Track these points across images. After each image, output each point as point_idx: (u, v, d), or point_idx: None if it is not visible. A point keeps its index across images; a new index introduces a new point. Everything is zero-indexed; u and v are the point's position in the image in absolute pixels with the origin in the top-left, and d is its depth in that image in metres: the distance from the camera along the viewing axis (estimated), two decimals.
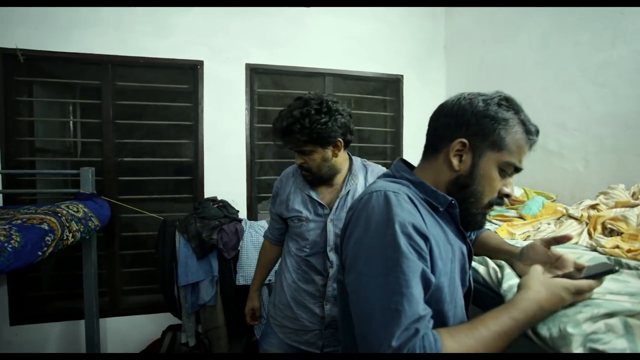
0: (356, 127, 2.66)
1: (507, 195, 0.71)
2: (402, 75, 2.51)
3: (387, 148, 2.62)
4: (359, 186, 1.21)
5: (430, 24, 2.54)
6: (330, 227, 1.19)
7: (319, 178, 1.19)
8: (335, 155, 1.18)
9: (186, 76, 2.23)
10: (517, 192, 1.67)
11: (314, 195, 1.22)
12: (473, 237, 0.93)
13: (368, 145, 2.64)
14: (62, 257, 2.20)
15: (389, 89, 2.59)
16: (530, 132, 0.70)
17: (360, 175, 1.24)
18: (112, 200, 2.03)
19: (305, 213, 1.23)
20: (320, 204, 1.21)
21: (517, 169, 0.70)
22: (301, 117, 1.09)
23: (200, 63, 2.19)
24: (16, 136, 2.01)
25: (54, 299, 2.23)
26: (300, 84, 2.43)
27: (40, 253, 1.36)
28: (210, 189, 2.25)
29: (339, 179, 1.23)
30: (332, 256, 1.20)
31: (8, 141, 1.98)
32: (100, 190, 2.05)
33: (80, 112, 2.51)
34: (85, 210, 1.74)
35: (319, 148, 1.14)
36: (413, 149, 2.54)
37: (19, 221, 1.41)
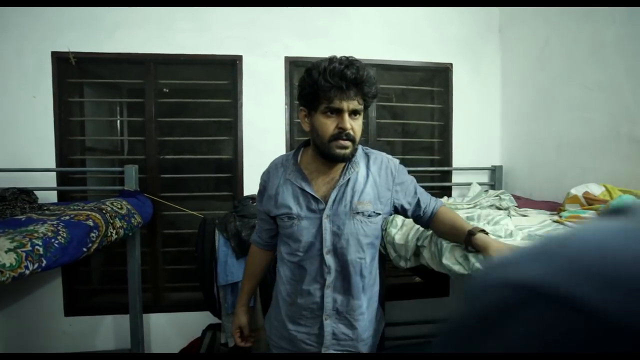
0: (401, 121, 2.53)
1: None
2: (451, 64, 2.30)
3: (435, 143, 2.42)
4: (360, 176, 1.06)
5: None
6: (326, 225, 1.03)
7: (351, 156, 1.02)
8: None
9: (225, 72, 2.20)
10: (597, 190, 1.44)
11: (306, 187, 1.05)
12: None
13: (414, 140, 2.46)
14: (111, 252, 2.27)
15: (436, 79, 2.39)
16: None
17: (362, 163, 1.09)
18: (154, 197, 2.05)
19: (295, 209, 1.05)
20: (314, 197, 1.04)
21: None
22: (372, 78, 0.97)
23: (239, 58, 2.15)
24: (68, 136, 2.09)
25: (103, 292, 2.30)
26: None
27: (85, 249, 1.37)
28: (250, 187, 2.20)
29: (338, 165, 1.07)
30: (330, 260, 1.05)
31: (62, 141, 2.06)
32: (143, 188, 2.08)
33: (127, 111, 2.60)
34: (129, 207, 1.76)
35: (363, 111, 1.03)
36: (464, 143, 2.33)
37: (67, 217, 1.42)
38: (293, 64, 2.22)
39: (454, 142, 2.32)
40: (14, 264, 1.04)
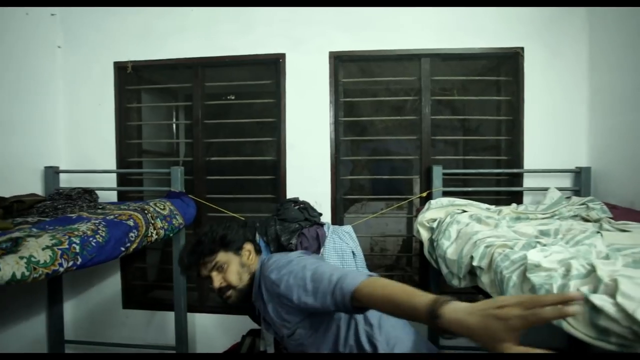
0: (461, 117, 2.24)
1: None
2: (522, 48, 1.96)
3: (502, 141, 2.09)
4: (264, 294, 1.13)
5: None
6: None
7: (244, 295, 1.18)
8: (249, 257, 1.22)
9: (269, 71, 2.16)
10: None
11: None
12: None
13: (476, 138, 2.16)
14: (165, 250, 2.37)
15: (503, 66, 2.07)
16: None
17: (262, 283, 1.15)
18: (198, 199, 2.07)
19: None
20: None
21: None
22: (204, 234, 1.20)
23: (282, 56, 2.09)
24: (127, 139, 2.23)
25: (157, 289, 2.41)
26: (391, 69, 2.12)
27: (123, 249, 1.39)
28: (293, 189, 2.13)
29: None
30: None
31: (121, 144, 2.20)
32: (190, 189, 2.13)
33: (181, 115, 2.72)
34: (172, 208, 1.78)
35: (231, 253, 1.18)
36: (538, 140, 1.97)
37: (112, 217, 1.47)
38: (338, 59, 2.09)
39: (525, 139, 1.97)
40: (47, 261, 1.07)
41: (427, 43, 1.99)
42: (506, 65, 2.05)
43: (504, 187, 2.03)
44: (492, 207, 1.64)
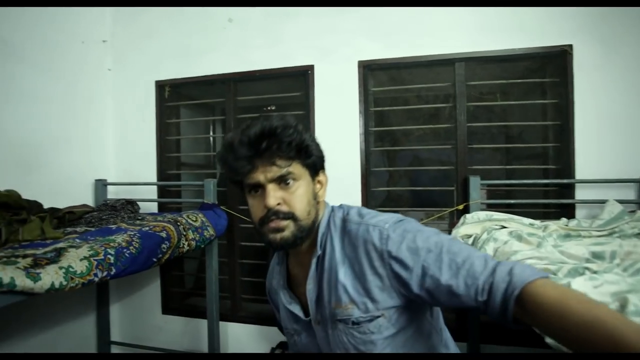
0: (501, 123, 2.08)
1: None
2: (570, 46, 1.78)
3: (549, 148, 1.90)
4: (333, 260, 0.78)
5: None
6: (319, 333, 0.83)
7: (300, 238, 0.76)
8: (319, 192, 0.83)
9: (298, 83, 2.17)
10: None
11: (283, 296, 0.88)
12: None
13: (517, 145, 1.99)
14: (202, 260, 2.46)
15: (549, 67, 1.89)
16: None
17: (337, 240, 0.80)
18: (230, 210, 2.12)
19: (290, 324, 0.90)
20: (295, 314, 0.86)
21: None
22: (283, 126, 0.72)
23: (311, 67, 2.09)
24: (166, 153, 2.36)
25: (194, 296, 2.50)
26: (422, 76, 2.04)
27: (155, 260, 1.45)
28: None
29: (305, 250, 0.83)
30: None
31: (161, 157, 2.34)
32: (223, 200, 2.19)
33: (218, 128, 2.84)
34: (204, 219, 1.84)
35: (307, 172, 0.78)
36: (592, 147, 1.76)
37: (147, 228, 1.54)
38: (367, 68, 2.05)
39: (577, 146, 1.78)
40: (84, 271, 1.14)
41: (461, 47, 1.88)
42: (552, 66, 1.87)
43: (554, 200, 1.83)
44: (537, 222, 1.49)
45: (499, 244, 1.24)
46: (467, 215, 1.56)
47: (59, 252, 1.19)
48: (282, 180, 0.74)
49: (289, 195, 0.74)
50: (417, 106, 2.05)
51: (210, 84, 2.30)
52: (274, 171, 0.72)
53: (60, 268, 1.10)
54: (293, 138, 0.72)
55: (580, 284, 0.80)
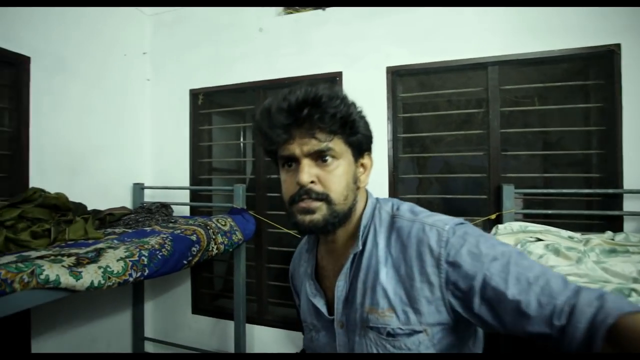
0: (538, 129, 1.98)
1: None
2: (617, 45, 1.66)
3: (593, 155, 1.78)
4: (375, 257, 0.68)
5: None
6: (340, 339, 0.72)
7: (332, 224, 0.66)
8: (364, 174, 0.73)
9: None
10: None
11: (310, 287, 0.78)
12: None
13: (555, 152, 1.88)
14: (230, 263, 2.52)
15: (593, 68, 1.77)
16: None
17: (382, 235, 0.70)
18: (258, 215, 2.17)
19: (310, 318, 0.80)
20: (318, 309, 0.76)
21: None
22: (329, 95, 0.64)
23: (339, 74, 2.10)
24: (199, 158, 2.45)
25: (223, 298, 2.57)
26: (453, 81, 1.98)
27: (185, 262, 1.51)
28: None
29: (341, 239, 0.74)
30: None
31: (194, 163, 2.43)
32: (252, 205, 2.24)
33: (248, 134, 2.91)
34: (232, 224, 1.89)
35: (350, 152, 0.68)
36: None
37: (179, 231, 1.61)
38: (395, 74, 2.02)
39: (625, 153, 1.65)
40: (120, 271, 1.21)
41: (494, 50, 1.81)
42: (596, 67, 1.75)
43: (598, 211, 1.71)
44: (577, 235, 1.39)
45: (533, 257, 1.18)
46: (500, 226, 1.49)
47: (99, 252, 1.27)
48: (319, 156, 0.65)
49: (325, 174, 0.65)
50: (447, 112, 2.00)
51: (241, 91, 2.37)
52: (312, 144, 0.64)
53: (99, 267, 1.17)
54: (339, 110, 0.63)
55: None
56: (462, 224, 0.66)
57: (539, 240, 1.34)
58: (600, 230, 1.56)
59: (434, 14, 1.92)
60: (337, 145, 0.66)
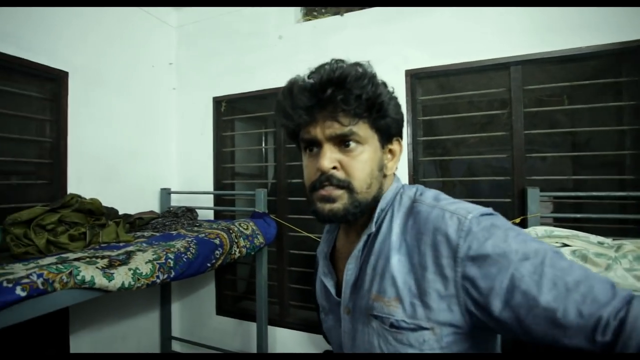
0: (566, 130, 1.90)
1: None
2: None
3: (627, 156, 1.69)
4: (388, 242, 0.63)
5: None
6: (345, 325, 0.68)
7: (353, 214, 0.62)
8: (391, 161, 0.68)
9: None
10: None
11: (323, 267, 0.75)
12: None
13: (585, 153, 1.80)
14: (253, 266, 2.58)
15: (625, 64, 1.69)
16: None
17: (398, 219, 0.64)
18: (279, 219, 2.21)
19: (320, 298, 0.79)
20: (327, 289, 0.74)
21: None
22: (356, 75, 0.59)
23: None
24: (222, 164, 2.53)
25: (246, 300, 2.63)
26: (474, 82, 1.94)
27: (209, 265, 1.57)
28: None
29: (356, 225, 0.70)
30: None
31: (217, 168, 2.51)
32: (273, 209, 2.29)
33: (270, 140, 2.97)
34: (254, 228, 1.94)
35: (376, 137, 0.63)
36: None
37: (203, 235, 1.67)
38: (414, 77, 2.01)
39: None
40: (148, 273, 1.28)
41: (516, 49, 1.77)
42: (629, 63, 1.67)
43: (633, 215, 1.62)
44: (608, 240, 1.32)
45: None
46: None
47: (129, 255, 1.34)
48: (342, 141, 0.61)
49: (348, 160, 0.61)
50: (468, 114, 1.96)
51: (262, 97, 2.43)
52: (335, 128, 0.60)
53: (130, 269, 1.24)
54: (365, 91, 0.59)
55: None
56: (490, 214, 0.58)
57: (566, 245, 1.29)
58: (636, 235, 1.48)
59: (453, 15, 1.89)
60: (362, 129, 0.61)
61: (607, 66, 1.75)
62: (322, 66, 0.62)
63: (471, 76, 1.95)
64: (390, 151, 0.68)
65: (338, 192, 0.61)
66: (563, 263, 0.50)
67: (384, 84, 0.65)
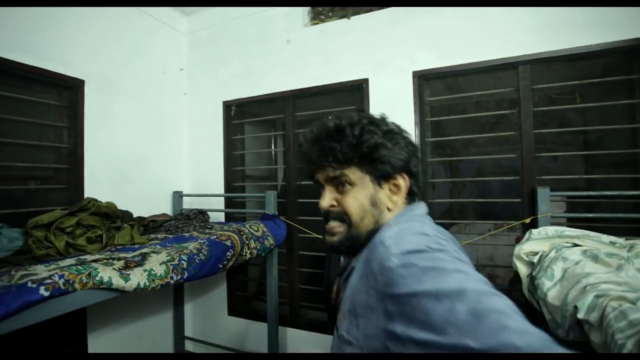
0: (576, 129, 1.88)
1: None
2: None
3: (639, 155, 1.66)
4: (360, 259, 0.68)
5: None
6: (334, 339, 0.68)
7: (347, 247, 0.70)
8: (391, 198, 0.71)
9: (353, 97, 2.22)
10: None
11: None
12: None
13: (597, 152, 1.78)
14: (263, 267, 2.62)
15: (637, 62, 1.67)
16: None
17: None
18: (289, 221, 2.23)
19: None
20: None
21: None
22: (349, 125, 0.69)
23: (365, 81, 2.13)
24: (232, 167, 2.57)
25: (254, 300, 2.67)
26: (482, 82, 1.94)
27: (221, 266, 1.60)
28: None
29: None
30: None
31: (228, 171, 2.56)
32: (283, 211, 2.32)
33: (279, 142, 3.01)
34: (264, 229, 1.97)
35: (368, 177, 0.70)
36: None
37: (214, 237, 1.71)
38: (422, 78, 2.02)
39: None
40: (162, 274, 1.32)
41: (524, 48, 1.76)
42: None
43: None
44: (620, 240, 1.31)
45: (568, 264, 1.13)
46: (534, 231, 1.44)
47: (144, 257, 1.39)
48: (339, 183, 0.71)
49: (342, 197, 0.71)
50: (475, 114, 1.96)
51: (272, 101, 2.47)
52: (328, 172, 0.71)
53: (145, 271, 1.28)
54: (350, 141, 0.67)
55: None
56: (419, 252, 0.56)
57: (576, 245, 1.28)
58: None
59: (459, 16, 1.90)
60: (353, 172, 0.70)
61: (618, 64, 1.73)
62: (320, 122, 0.73)
63: (479, 76, 1.95)
64: (395, 185, 0.72)
65: (338, 227, 0.71)
66: (483, 305, 0.46)
67: (379, 130, 0.69)
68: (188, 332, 2.61)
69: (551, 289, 1.10)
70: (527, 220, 1.68)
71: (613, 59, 1.72)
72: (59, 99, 1.94)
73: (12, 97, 1.72)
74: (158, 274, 1.30)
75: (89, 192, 1.98)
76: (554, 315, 1.07)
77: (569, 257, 1.17)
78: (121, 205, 1.92)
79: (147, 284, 1.26)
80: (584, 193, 1.67)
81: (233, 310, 2.57)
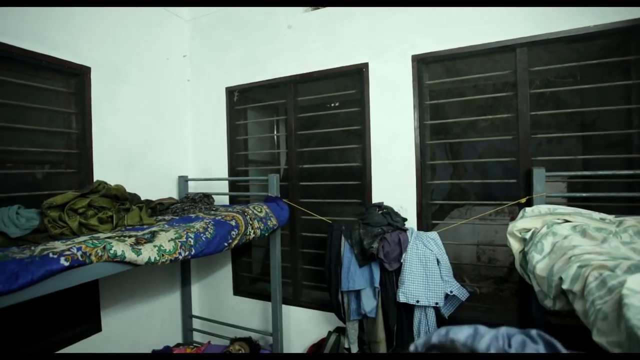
0: (571, 110, 1.91)
1: None
2: None
3: (634, 135, 1.70)
4: None
5: None
6: None
7: None
8: None
9: (353, 81, 2.25)
10: None
11: None
12: None
13: (592, 133, 1.81)
14: (267, 248, 2.70)
15: (634, 43, 1.68)
16: None
17: None
18: (292, 203, 2.30)
19: None
20: None
21: None
22: None
23: (365, 65, 2.15)
24: (236, 151, 2.63)
25: (262, 281, 2.76)
26: (480, 65, 1.96)
27: (226, 244, 1.68)
28: (379, 195, 2.17)
29: None
30: None
31: (231, 156, 2.62)
32: (285, 194, 2.38)
33: (281, 127, 3.05)
34: (267, 211, 2.04)
35: None
36: None
37: (220, 217, 1.78)
38: (421, 62, 2.04)
39: None
40: (171, 250, 1.39)
41: (522, 31, 1.77)
42: (638, 41, 1.66)
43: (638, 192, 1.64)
44: (610, 217, 1.36)
45: (557, 238, 1.19)
46: (527, 209, 1.49)
47: (153, 234, 1.46)
48: None
49: None
50: (474, 97, 1.98)
51: (274, 86, 2.50)
52: None
53: (155, 246, 1.36)
54: None
55: (637, 281, 0.75)
56: None
57: (567, 221, 1.33)
58: None
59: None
60: None
61: (615, 45, 1.74)
62: None
63: (477, 59, 1.97)
64: None
65: None
66: None
67: None
68: (195, 311, 2.72)
69: (540, 262, 1.16)
70: (523, 200, 1.73)
71: (610, 40, 1.73)
72: (67, 85, 1.99)
73: (22, 85, 1.78)
74: (167, 250, 1.38)
75: (97, 176, 2.05)
76: (542, 287, 1.13)
77: (558, 232, 1.22)
78: (129, 189, 1.98)
79: (157, 258, 1.33)
80: (579, 173, 1.71)
81: (238, 290, 2.67)
